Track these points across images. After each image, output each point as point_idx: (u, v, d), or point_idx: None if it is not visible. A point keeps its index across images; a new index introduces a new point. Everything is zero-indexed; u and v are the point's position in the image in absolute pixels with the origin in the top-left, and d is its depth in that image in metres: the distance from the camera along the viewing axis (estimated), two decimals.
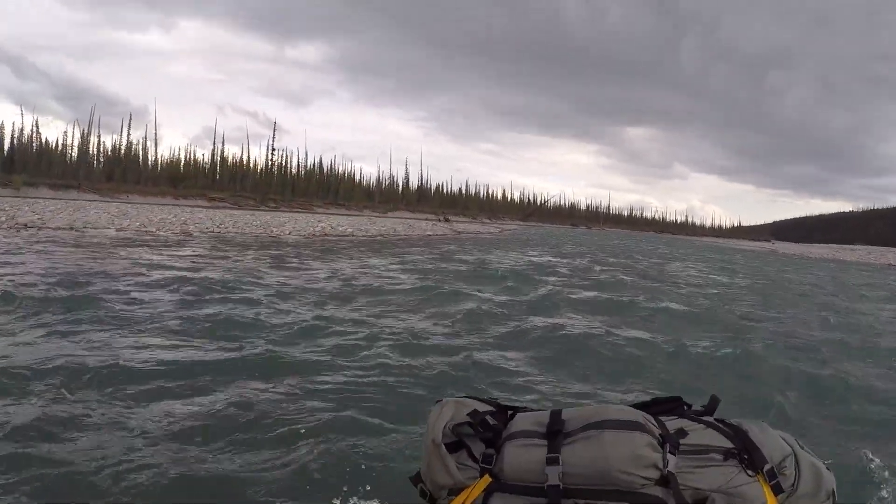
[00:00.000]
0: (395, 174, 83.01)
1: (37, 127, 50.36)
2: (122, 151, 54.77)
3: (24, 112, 76.81)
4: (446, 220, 50.41)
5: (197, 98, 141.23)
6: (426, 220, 49.09)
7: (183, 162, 61.23)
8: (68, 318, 4.74)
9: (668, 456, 1.09)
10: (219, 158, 60.03)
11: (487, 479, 1.14)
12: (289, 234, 20.98)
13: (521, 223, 76.33)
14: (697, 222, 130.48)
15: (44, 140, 51.24)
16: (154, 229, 17.76)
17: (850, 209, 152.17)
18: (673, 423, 1.17)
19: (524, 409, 1.27)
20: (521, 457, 1.14)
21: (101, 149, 54.03)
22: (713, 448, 1.13)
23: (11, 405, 2.86)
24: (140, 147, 55.72)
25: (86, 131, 51.61)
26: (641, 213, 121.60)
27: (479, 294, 7.74)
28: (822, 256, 47.69)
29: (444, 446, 1.17)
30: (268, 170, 62.04)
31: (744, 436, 1.14)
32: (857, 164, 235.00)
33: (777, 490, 1.10)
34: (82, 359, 3.61)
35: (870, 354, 5.77)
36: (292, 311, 5.79)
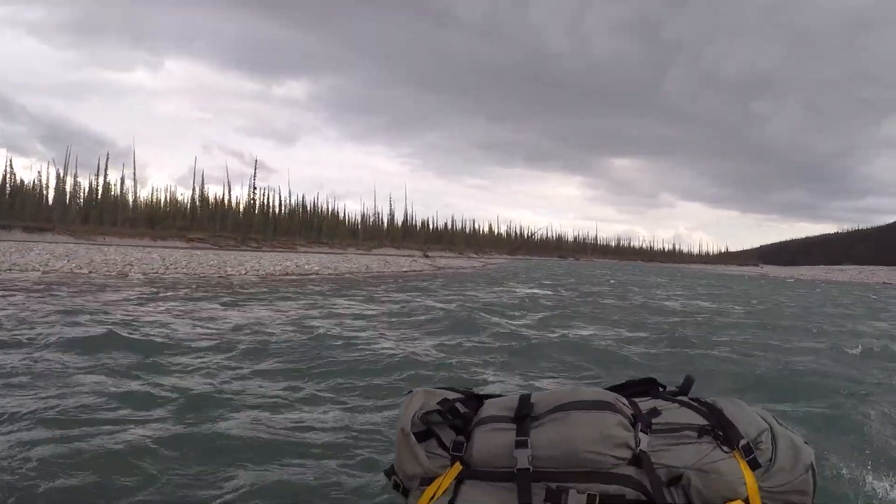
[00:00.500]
0: (380, 211, 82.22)
1: (11, 167, 49.06)
2: (100, 192, 53.76)
3: (7, 153, 75.25)
4: (425, 256, 49.17)
5: (184, 137, 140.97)
6: (407, 256, 47.70)
7: (163, 202, 60.35)
8: None
9: (640, 435, 1.08)
10: (199, 198, 58.95)
11: (458, 466, 1.13)
12: (245, 273, 19.56)
13: (509, 257, 75.39)
14: (685, 250, 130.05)
15: (18, 181, 50.08)
16: (87, 271, 16.37)
17: (836, 231, 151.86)
18: (646, 404, 1.17)
19: (496, 396, 1.26)
20: (490, 442, 1.13)
21: (78, 189, 53.17)
22: (687, 426, 1.12)
23: None
24: (118, 187, 54.68)
25: (61, 171, 50.78)
26: (629, 243, 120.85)
27: (368, 348, 6.27)
28: (815, 278, 46.91)
29: (412, 435, 1.15)
30: (249, 209, 60.95)
31: (718, 413, 1.14)
32: (842, 186, 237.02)
33: (754, 465, 1.09)
34: None
35: None
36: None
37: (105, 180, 53.79)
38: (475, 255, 67.34)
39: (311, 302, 10.62)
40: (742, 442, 1.09)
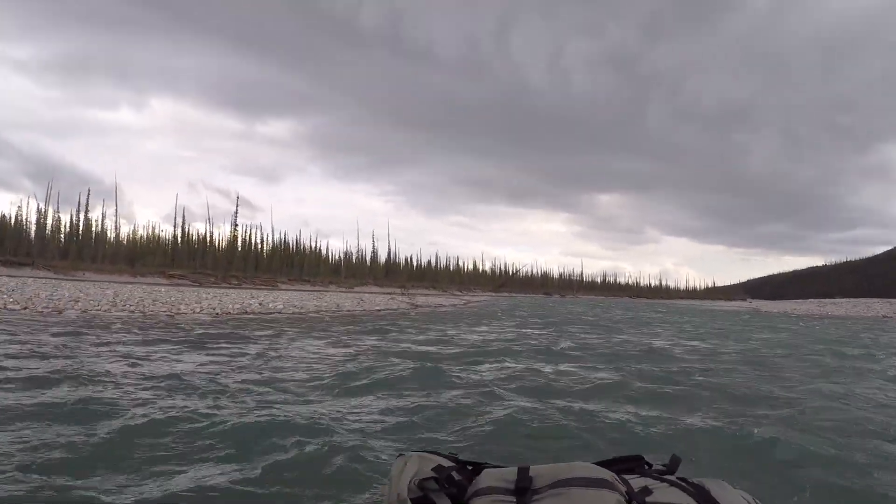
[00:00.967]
0: (363, 248, 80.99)
1: None
2: (81, 228, 52.61)
3: None
4: (403, 294, 47.84)
5: (169, 175, 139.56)
6: (387, 294, 46.33)
7: (145, 238, 59.23)
8: None
9: None
10: (180, 235, 57.86)
11: None
12: (199, 311, 18.16)
13: (493, 294, 73.97)
14: (672, 285, 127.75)
15: (0, 215, 49.06)
16: (20, 307, 15.03)
17: (823, 263, 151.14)
18: (637, 482, 1.18)
19: (488, 465, 1.27)
20: None
21: (59, 225, 52.33)
22: None
23: None
24: (98, 224, 53.60)
25: (41, 206, 49.92)
26: (615, 279, 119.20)
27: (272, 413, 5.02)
28: (810, 313, 45.37)
29: (409, 501, 1.14)
30: (231, 246, 59.82)
31: (706, 494, 1.15)
32: (827, 217, 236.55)
33: None
34: None
35: None
36: None
37: (86, 216, 53.02)
38: (459, 293, 65.90)
39: (239, 349, 9.28)
40: None
